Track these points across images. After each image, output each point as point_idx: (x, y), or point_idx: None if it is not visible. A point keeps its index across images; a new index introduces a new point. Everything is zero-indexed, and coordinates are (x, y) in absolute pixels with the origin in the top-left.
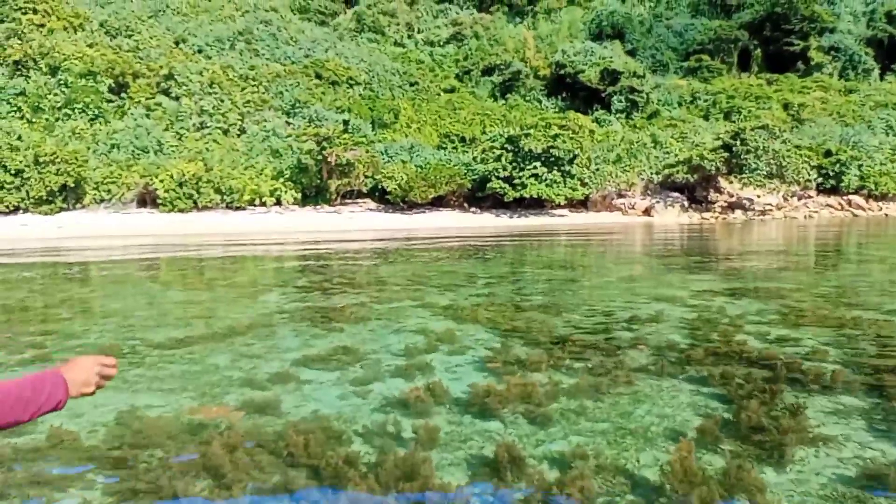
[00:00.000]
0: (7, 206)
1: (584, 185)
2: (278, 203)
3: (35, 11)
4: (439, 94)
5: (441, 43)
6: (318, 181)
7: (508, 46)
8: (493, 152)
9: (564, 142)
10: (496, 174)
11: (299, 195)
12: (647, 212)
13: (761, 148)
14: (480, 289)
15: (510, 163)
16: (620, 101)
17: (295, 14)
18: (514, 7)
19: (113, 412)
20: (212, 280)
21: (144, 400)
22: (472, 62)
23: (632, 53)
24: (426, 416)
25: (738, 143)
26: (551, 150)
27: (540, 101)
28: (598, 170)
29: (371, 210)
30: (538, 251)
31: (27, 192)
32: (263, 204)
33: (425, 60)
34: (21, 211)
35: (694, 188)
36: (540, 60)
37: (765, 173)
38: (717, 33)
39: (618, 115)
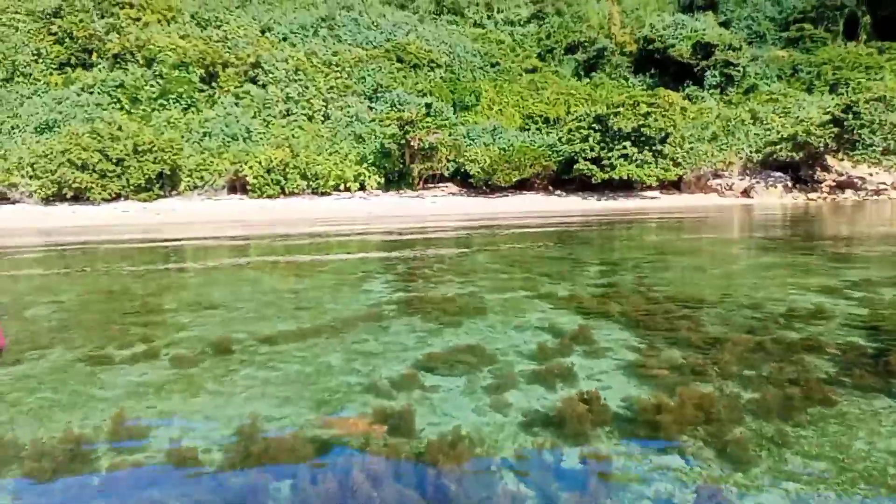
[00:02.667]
0: (109, 194)
1: (676, 165)
2: (362, 188)
3: (131, 6)
4: (521, 75)
5: (521, 22)
6: (401, 166)
7: (592, 22)
8: (580, 132)
9: (656, 120)
10: (583, 155)
11: (382, 180)
12: (746, 193)
13: (877, 122)
14: (596, 277)
15: (598, 143)
16: (714, 76)
17: None
18: None
19: (230, 426)
20: (309, 267)
21: (261, 409)
22: (555, 40)
23: (725, 25)
24: (585, 441)
25: (850, 116)
26: (642, 129)
27: (626, 79)
28: (692, 149)
29: (453, 194)
30: (640, 235)
31: (127, 179)
32: (348, 189)
33: (506, 40)
34: (122, 198)
35: (798, 167)
36: (626, 36)
37: (880, 149)
38: None
39: (711, 91)
